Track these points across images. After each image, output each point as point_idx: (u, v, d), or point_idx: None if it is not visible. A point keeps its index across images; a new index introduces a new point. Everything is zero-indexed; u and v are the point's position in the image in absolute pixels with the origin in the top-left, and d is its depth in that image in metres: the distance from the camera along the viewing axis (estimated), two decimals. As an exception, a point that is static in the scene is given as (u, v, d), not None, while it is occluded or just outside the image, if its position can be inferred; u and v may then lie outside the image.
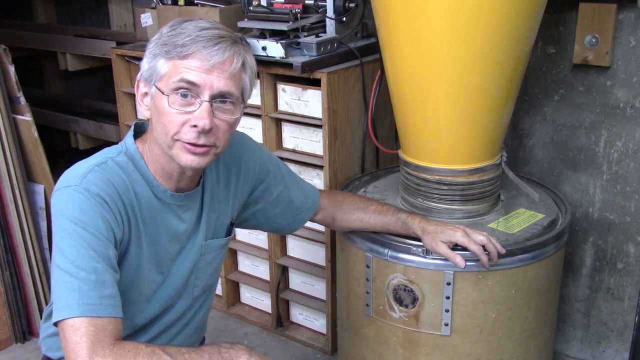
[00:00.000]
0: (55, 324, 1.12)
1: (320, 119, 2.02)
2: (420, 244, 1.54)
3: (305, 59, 1.97)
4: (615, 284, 2.06)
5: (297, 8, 2.05)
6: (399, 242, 1.59)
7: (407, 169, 1.71)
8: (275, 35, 2.06)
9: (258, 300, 2.50)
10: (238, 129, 1.35)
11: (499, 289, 1.54)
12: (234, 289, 2.55)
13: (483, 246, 1.48)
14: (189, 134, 1.20)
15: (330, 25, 2.10)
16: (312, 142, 2.10)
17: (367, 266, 1.64)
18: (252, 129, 2.17)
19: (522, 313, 1.60)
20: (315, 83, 2.00)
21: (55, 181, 1.66)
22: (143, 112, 1.27)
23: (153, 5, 2.41)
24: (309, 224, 1.73)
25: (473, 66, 1.49)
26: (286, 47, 1.98)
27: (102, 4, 3.24)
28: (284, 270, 2.35)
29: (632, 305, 2.04)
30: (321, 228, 2.12)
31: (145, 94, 1.26)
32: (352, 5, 2.08)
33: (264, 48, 2.00)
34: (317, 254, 2.23)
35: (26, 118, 2.36)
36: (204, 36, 1.18)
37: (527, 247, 1.55)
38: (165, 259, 1.32)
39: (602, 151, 1.97)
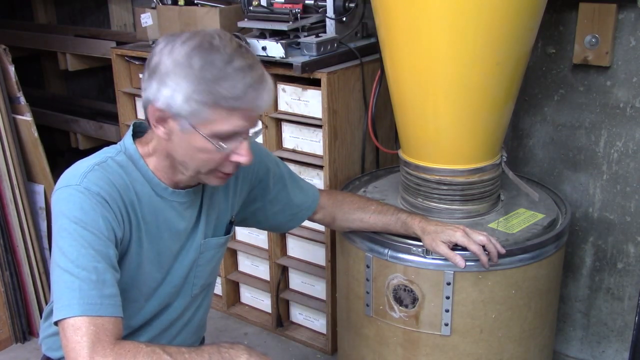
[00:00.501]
0: (56, 324, 1.12)
1: (320, 119, 2.02)
2: (420, 244, 1.54)
3: (305, 59, 1.97)
4: (615, 284, 2.06)
5: (297, 8, 2.05)
6: (399, 242, 1.58)
7: (407, 169, 1.71)
8: (275, 35, 2.07)
9: (258, 300, 2.50)
10: None
11: (499, 289, 1.54)
12: (234, 289, 2.55)
13: (483, 246, 1.48)
14: (229, 167, 1.22)
15: (330, 25, 2.10)
16: (312, 142, 2.10)
17: (367, 266, 1.64)
18: (252, 129, 2.17)
19: (522, 313, 1.60)
20: (315, 83, 2.00)
21: (55, 181, 1.66)
22: (157, 132, 1.20)
23: (153, 5, 2.40)
24: (309, 224, 1.73)
25: (473, 66, 1.49)
26: (286, 47, 1.98)
27: (102, 4, 3.24)
28: (284, 270, 2.35)
29: (632, 305, 2.04)
30: (321, 228, 2.12)
31: (165, 119, 1.17)
32: (352, 5, 2.08)
33: (264, 48, 2.00)
34: (317, 254, 2.23)
35: (26, 118, 2.36)
36: (249, 83, 1.14)
37: (527, 247, 1.55)
38: (166, 257, 1.32)
39: (602, 151, 1.97)
